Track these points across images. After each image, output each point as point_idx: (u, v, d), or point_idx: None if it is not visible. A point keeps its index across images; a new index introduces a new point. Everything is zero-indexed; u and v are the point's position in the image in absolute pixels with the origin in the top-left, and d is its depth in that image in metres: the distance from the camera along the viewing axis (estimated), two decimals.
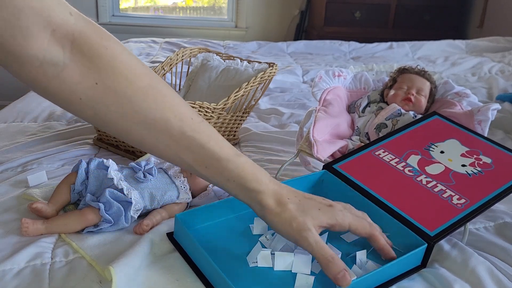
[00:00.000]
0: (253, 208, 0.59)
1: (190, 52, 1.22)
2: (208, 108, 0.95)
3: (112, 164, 0.72)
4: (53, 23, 0.49)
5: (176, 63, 1.19)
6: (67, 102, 0.54)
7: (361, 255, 0.62)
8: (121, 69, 0.54)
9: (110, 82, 0.53)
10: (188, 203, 0.75)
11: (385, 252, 0.61)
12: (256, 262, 0.60)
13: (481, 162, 0.78)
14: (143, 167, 0.72)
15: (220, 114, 0.99)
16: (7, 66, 0.50)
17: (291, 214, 0.56)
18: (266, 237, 0.64)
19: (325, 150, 0.83)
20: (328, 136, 0.89)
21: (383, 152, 0.81)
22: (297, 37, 3.32)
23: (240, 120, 1.10)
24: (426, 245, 0.62)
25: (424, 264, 0.63)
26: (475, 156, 0.79)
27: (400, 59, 2.18)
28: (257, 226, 0.66)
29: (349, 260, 0.63)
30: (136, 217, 0.69)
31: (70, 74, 0.52)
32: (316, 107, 0.94)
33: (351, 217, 0.59)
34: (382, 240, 0.61)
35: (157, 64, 1.45)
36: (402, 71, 1.04)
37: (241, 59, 1.18)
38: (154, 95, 0.56)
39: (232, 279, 0.53)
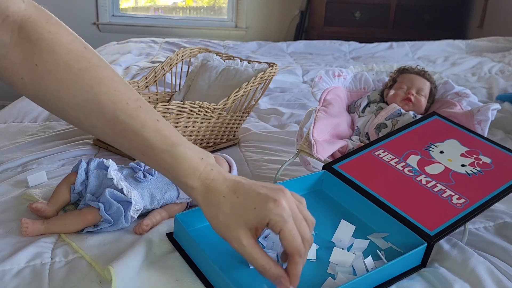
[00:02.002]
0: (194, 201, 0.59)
1: (190, 52, 1.22)
2: (208, 108, 0.95)
3: (112, 164, 0.72)
4: (8, 11, 0.54)
5: (176, 63, 1.19)
6: (11, 81, 0.57)
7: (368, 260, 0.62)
8: (61, 53, 0.56)
9: (48, 65, 0.56)
10: (188, 203, 0.75)
11: (293, 282, 0.53)
12: None
13: (480, 162, 0.78)
14: (143, 167, 0.72)
15: (220, 114, 0.99)
16: None
17: (224, 220, 0.53)
18: (265, 237, 0.64)
19: (325, 150, 0.83)
20: (328, 136, 0.89)
21: (383, 152, 0.81)
22: (297, 37, 3.32)
23: (240, 120, 1.10)
24: (426, 244, 0.62)
25: (424, 263, 0.63)
26: (474, 156, 0.79)
27: (400, 59, 2.18)
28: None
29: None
30: (136, 217, 0.69)
31: (15, 55, 0.55)
32: (316, 107, 0.94)
33: (288, 225, 0.52)
34: (299, 270, 0.53)
35: (157, 64, 1.45)
36: (402, 71, 1.04)
37: (241, 59, 1.18)
38: (89, 78, 0.57)
39: (232, 279, 0.53)
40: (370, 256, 0.61)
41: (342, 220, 0.65)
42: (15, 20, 0.55)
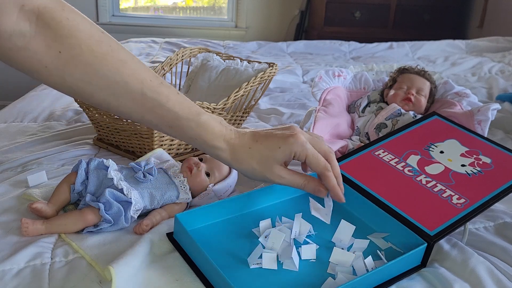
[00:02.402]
0: (223, 162, 0.65)
1: (190, 52, 1.22)
2: (208, 108, 0.95)
3: (112, 164, 0.72)
4: (23, 0, 0.55)
5: (176, 63, 1.19)
6: (34, 70, 0.58)
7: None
8: (82, 37, 0.58)
9: (72, 50, 0.57)
10: (188, 203, 0.75)
11: (333, 192, 0.64)
12: (257, 263, 0.60)
13: (480, 162, 0.78)
14: (143, 167, 0.72)
15: (220, 114, 0.99)
16: None
17: (258, 166, 0.62)
18: (266, 237, 0.64)
19: None
20: (328, 136, 0.89)
21: (383, 152, 0.81)
22: (297, 37, 3.32)
23: (240, 120, 1.10)
24: (426, 244, 0.62)
25: (424, 263, 0.63)
26: (474, 156, 0.79)
27: (400, 59, 2.18)
28: (262, 230, 0.66)
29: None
30: (136, 217, 0.69)
31: (37, 44, 0.56)
32: (316, 107, 0.94)
33: (310, 151, 0.63)
34: (333, 181, 0.64)
35: (157, 64, 1.45)
36: (402, 71, 1.04)
37: (241, 59, 1.18)
38: (114, 61, 0.59)
39: (232, 279, 0.53)
40: (370, 256, 0.61)
41: (342, 220, 0.65)
42: (31, 9, 0.55)
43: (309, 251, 0.62)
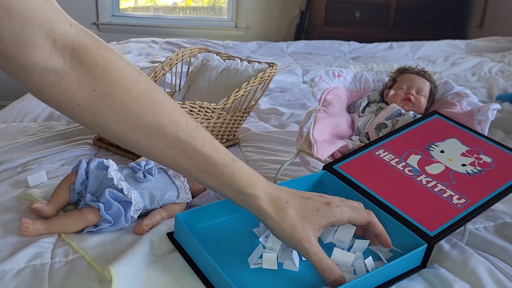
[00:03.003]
0: (252, 213, 0.60)
1: (190, 52, 1.22)
2: (208, 108, 0.95)
3: (112, 164, 0.72)
4: (55, 34, 0.52)
5: (176, 63, 1.19)
6: (66, 107, 0.56)
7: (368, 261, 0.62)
8: (117, 76, 0.56)
9: (106, 89, 0.55)
10: (188, 203, 0.75)
11: (382, 238, 0.62)
12: (258, 263, 0.60)
13: (481, 162, 0.78)
14: (143, 167, 0.72)
15: (220, 114, 0.99)
16: (10, 73, 0.53)
17: (291, 223, 0.57)
18: (266, 237, 0.64)
19: (325, 150, 0.83)
20: (328, 136, 0.89)
21: (383, 152, 0.81)
22: (297, 37, 3.32)
23: (240, 120, 1.10)
24: (426, 245, 0.62)
25: (424, 264, 0.63)
26: (475, 155, 0.79)
27: (400, 59, 2.18)
28: (263, 230, 0.66)
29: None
30: (136, 217, 0.69)
31: (69, 81, 0.54)
32: (316, 107, 0.94)
33: (349, 211, 0.61)
34: (381, 226, 0.62)
35: (157, 64, 1.45)
36: (402, 71, 1.04)
37: (241, 59, 1.18)
38: (149, 101, 0.57)
39: (232, 279, 0.53)
40: (371, 256, 0.61)
41: None
42: (65, 45, 0.53)
43: None
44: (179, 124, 0.58)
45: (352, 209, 0.61)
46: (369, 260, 0.61)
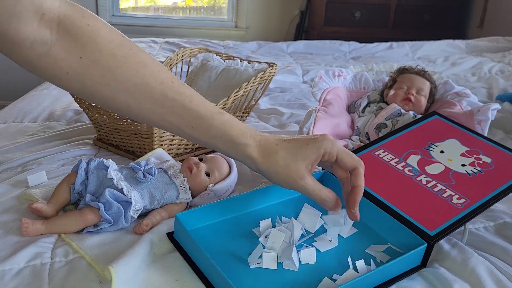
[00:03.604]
0: (246, 163, 0.63)
1: (190, 52, 1.22)
2: None
3: (112, 164, 0.72)
4: (43, 8, 0.55)
5: (176, 63, 1.19)
6: (56, 77, 0.59)
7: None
8: (102, 42, 0.58)
9: (93, 55, 0.58)
10: (188, 203, 0.75)
11: (356, 193, 0.61)
12: (258, 263, 0.60)
13: (481, 162, 0.78)
14: (143, 167, 0.72)
15: None
16: (2, 49, 0.56)
17: (284, 163, 0.60)
18: (266, 237, 0.64)
19: None
20: None
21: (383, 152, 0.81)
22: (297, 37, 3.32)
23: (240, 120, 1.10)
24: (426, 244, 0.62)
25: (424, 263, 0.63)
26: (475, 155, 0.79)
27: (400, 59, 2.18)
28: (262, 230, 0.66)
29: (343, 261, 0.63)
30: (136, 217, 0.69)
31: (57, 51, 0.57)
32: (316, 107, 0.94)
33: (341, 147, 0.61)
34: (363, 180, 0.61)
35: None
36: (402, 71, 1.04)
37: (241, 59, 1.18)
38: (134, 63, 0.60)
39: (232, 279, 0.53)
40: (362, 260, 0.61)
41: (305, 204, 0.67)
42: (51, 18, 0.56)
43: (309, 255, 0.62)
44: (165, 82, 0.60)
45: (344, 149, 0.62)
46: (361, 263, 0.61)
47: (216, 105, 0.95)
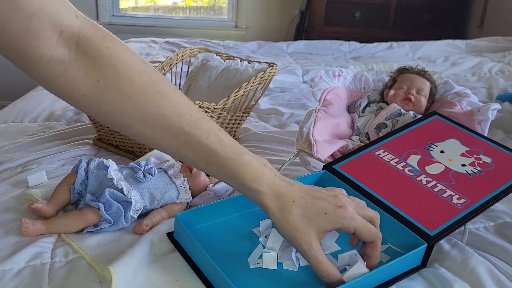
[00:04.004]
0: (258, 206, 0.59)
1: (190, 52, 1.22)
2: (208, 108, 0.95)
3: (112, 164, 0.72)
4: (61, 25, 0.53)
5: (176, 63, 1.19)
6: (72, 98, 0.57)
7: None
8: (122, 68, 0.56)
9: (111, 80, 0.56)
10: (188, 203, 0.75)
11: (371, 262, 0.59)
12: (258, 263, 0.60)
13: (481, 162, 0.78)
14: (143, 167, 0.72)
15: (220, 114, 0.99)
16: (18, 64, 0.54)
17: (294, 224, 0.56)
18: (266, 237, 0.64)
19: (325, 150, 0.83)
20: (328, 136, 0.89)
21: (383, 152, 0.81)
22: (297, 37, 3.32)
23: (240, 120, 1.10)
24: (426, 244, 0.62)
25: (424, 264, 0.63)
26: (475, 155, 0.79)
27: (400, 59, 2.18)
28: (262, 230, 0.66)
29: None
30: (136, 217, 0.69)
31: (75, 72, 0.55)
32: (316, 107, 0.94)
33: (359, 222, 0.57)
34: (379, 251, 0.59)
35: (157, 64, 1.45)
36: (402, 71, 1.04)
37: (241, 59, 1.18)
38: (152, 93, 0.57)
39: (232, 279, 0.53)
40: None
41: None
42: (70, 36, 0.54)
43: None
44: (183, 116, 0.58)
45: (363, 222, 0.57)
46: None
47: (216, 105, 0.95)
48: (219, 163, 0.58)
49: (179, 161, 0.81)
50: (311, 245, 0.55)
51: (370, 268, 0.58)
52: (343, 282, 0.55)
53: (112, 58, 0.56)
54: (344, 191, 0.60)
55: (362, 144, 0.90)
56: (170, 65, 1.17)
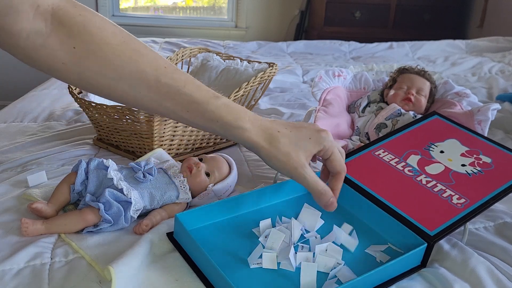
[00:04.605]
0: (245, 145, 0.63)
1: (190, 52, 1.22)
2: None
3: (111, 164, 0.72)
4: (38, 0, 0.57)
5: (176, 63, 1.19)
6: (53, 68, 0.60)
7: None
8: (95, 32, 0.59)
9: (86, 45, 0.59)
10: (188, 203, 0.75)
11: (335, 194, 0.63)
12: (258, 263, 0.60)
13: (481, 162, 0.78)
14: (143, 167, 0.72)
15: None
16: (0, 42, 0.58)
17: (285, 150, 0.60)
18: (266, 237, 0.64)
19: None
20: None
21: (383, 152, 0.81)
22: (297, 37, 3.32)
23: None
24: (426, 244, 0.62)
25: (424, 263, 0.63)
26: (475, 155, 0.79)
27: (400, 59, 2.18)
28: (262, 230, 0.66)
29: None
30: (136, 217, 0.69)
31: (53, 42, 0.58)
32: (316, 107, 0.94)
33: (336, 148, 0.63)
34: (341, 185, 0.64)
35: None
36: (402, 71, 1.04)
37: (241, 59, 1.18)
38: (128, 51, 0.61)
39: (232, 279, 0.53)
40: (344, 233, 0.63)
41: (305, 204, 0.68)
42: (45, 9, 0.58)
43: (305, 259, 0.61)
44: (159, 69, 0.61)
45: (339, 150, 0.64)
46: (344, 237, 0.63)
47: None
48: (200, 109, 0.61)
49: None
50: (305, 166, 0.60)
51: (331, 206, 0.62)
52: (334, 199, 0.62)
53: (85, 24, 0.59)
54: None
55: (362, 144, 0.90)
56: None
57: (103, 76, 0.60)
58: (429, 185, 0.73)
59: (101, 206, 0.65)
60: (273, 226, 0.67)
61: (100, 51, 0.59)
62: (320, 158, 0.66)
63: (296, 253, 0.61)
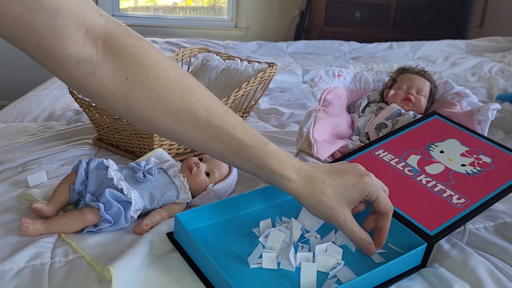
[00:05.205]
0: (289, 194, 0.62)
1: (190, 52, 1.22)
2: None
3: (111, 164, 0.72)
4: (87, 24, 0.54)
5: (176, 63, 1.19)
6: (102, 97, 0.58)
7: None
8: (149, 64, 0.57)
9: (139, 77, 0.57)
10: (188, 203, 0.75)
11: (381, 235, 0.63)
12: (258, 263, 0.60)
13: (480, 162, 0.78)
14: (143, 167, 0.72)
15: None
16: (47, 66, 0.55)
17: (329, 204, 0.60)
18: (266, 237, 0.64)
19: (325, 150, 0.83)
20: (328, 136, 0.89)
21: (383, 152, 0.81)
22: (297, 37, 3.32)
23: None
24: (426, 244, 0.62)
25: (424, 263, 0.63)
26: (474, 155, 0.79)
27: (400, 59, 2.18)
28: (262, 230, 0.66)
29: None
30: (136, 217, 0.69)
31: (104, 70, 0.56)
32: (316, 107, 0.94)
33: (381, 191, 0.62)
34: (389, 224, 0.63)
35: None
36: (402, 71, 1.04)
37: (241, 59, 1.18)
38: (180, 87, 0.59)
39: (232, 279, 0.53)
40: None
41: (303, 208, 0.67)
42: (97, 35, 0.55)
43: (305, 259, 0.61)
44: (210, 109, 0.60)
45: (383, 193, 0.62)
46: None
47: None
48: (247, 154, 0.60)
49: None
50: (346, 218, 0.60)
51: (381, 244, 0.63)
52: (372, 246, 0.62)
53: (139, 55, 0.57)
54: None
55: (362, 144, 0.90)
56: None
57: (151, 110, 0.58)
58: (429, 185, 0.73)
59: (101, 206, 0.65)
60: (273, 226, 0.67)
61: (151, 84, 0.57)
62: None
63: (296, 253, 0.61)
